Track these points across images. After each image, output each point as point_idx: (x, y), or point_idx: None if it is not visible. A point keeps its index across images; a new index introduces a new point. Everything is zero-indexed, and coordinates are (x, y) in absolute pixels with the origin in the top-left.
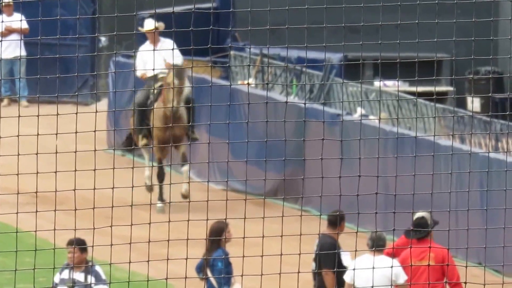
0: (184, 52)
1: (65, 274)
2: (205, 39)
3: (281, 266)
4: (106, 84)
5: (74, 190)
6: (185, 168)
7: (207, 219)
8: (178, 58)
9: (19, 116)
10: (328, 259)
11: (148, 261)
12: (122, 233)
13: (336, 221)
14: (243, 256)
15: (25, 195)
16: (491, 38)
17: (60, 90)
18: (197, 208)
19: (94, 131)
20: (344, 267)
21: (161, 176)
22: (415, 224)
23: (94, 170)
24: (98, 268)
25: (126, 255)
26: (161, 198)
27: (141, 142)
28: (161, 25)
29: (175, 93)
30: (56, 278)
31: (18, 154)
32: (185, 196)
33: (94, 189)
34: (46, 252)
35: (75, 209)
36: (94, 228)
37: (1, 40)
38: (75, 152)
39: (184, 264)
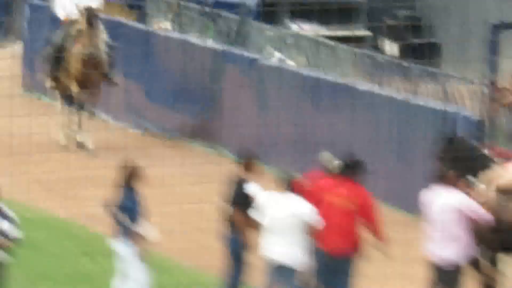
0: None
1: None
2: None
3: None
4: (21, 26)
5: None
6: (89, 122)
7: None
8: (95, 1)
9: None
10: (238, 199)
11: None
12: (38, 176)
13: (248, 164)
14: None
15: None
16: None
17: None
18: (113, 150)
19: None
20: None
21: (80, 105)
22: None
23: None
24: (1, 204)
25: (40, 196)
26: (79, 126)
27: (50, 83)
28: None
29: (88, 39)
30: None
31: None
32: (91, 153)
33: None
34: None
35: None
36: None
37: None
38: None
39: (96, 205)
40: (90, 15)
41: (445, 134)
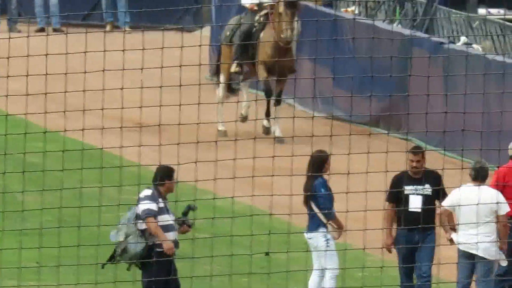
0: None
1: (161, 203)
2: None
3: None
4: (209, 11)
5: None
6: (277, 108)
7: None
8: None
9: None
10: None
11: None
12: (225, 162)
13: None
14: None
15: (128, 122)
16: None
17: (162, 17)
18: (300, 138)
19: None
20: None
21: (268, 91)
22: None
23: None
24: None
25: (228, 184)
26: (267, 114)
27: (234, 69)
28: None
29: (287, 23)
30: (154, 206)
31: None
32: (280, 141)
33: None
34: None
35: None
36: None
37: None
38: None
39: (286, 195)
40: (291, 3)
41: None
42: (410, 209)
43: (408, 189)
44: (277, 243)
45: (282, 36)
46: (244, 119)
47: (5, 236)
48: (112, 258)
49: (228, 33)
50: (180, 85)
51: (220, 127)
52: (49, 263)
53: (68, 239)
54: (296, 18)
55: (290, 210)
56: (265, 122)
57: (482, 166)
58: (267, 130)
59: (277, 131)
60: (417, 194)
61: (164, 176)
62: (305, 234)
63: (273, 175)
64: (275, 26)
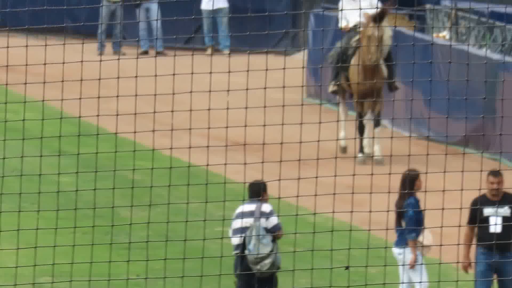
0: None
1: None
2: None
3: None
4: (306, 35)
5: (282, 141)
6: (377, 130)
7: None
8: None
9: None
10: None
11: (351, 211)
12: (322, 180)
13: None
14: (442, 208)
15: (220, 141)
16: None
17: (261, 41)
18: (395, 158)
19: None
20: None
21: (361, 128)
22: None
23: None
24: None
25: (326, 202)
26: (361, 150)
27: (332, 87)
28: None
29: (374, 45)
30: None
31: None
32: (379, 162)
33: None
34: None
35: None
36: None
37: None
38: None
39: (380, 211)
40: (378, 14)
41: None
42: (490, 231)
43: (487, 211)
44: (372, 258)
45: (367, 59)
46: (344, 150)
47: (112, 250)
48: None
49: (332, 53)
50: (283, 105)
51: (343, 143)
52: (151, 275)
53: (169, 253)
54: (386, 26)
55: (386, 226)
56: (359, 155)
57: None
58: (362, 161)
59: (376, 151)
60: (497, 216)
61: (264, 190)
62: (393, 249)
63: (371, 192)
64: (363, 49)
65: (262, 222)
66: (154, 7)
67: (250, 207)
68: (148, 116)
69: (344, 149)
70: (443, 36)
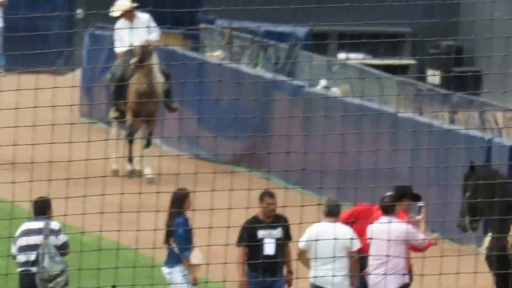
0: (158, 25)
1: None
2: (176, 13)
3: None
4: (80, 54)
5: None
6: (147, 150)
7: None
8: (154, 33)
9: None
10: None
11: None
12: (92, 199)
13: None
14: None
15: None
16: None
17: (36, 60)
18: (165, 177)
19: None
20: None
21: (131, 144)
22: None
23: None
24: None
25: (94, 221)
26: (130, 159)
27: (112, 114)
28: (132, 4)
29: (144, 73)
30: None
31: None
32: (150, 181)
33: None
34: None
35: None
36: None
37: None
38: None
39: (148, 230)
40: (144, 51)
41: (470, 162)
42: (265, 253)
43: (262, 233)
44: (141, 277)
45: (140, 82)
46: (116, 172)
47: None
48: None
49: (109, 76)
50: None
51: (114, 166)
52: None
53: None
54: (155, 63)
55: (153, 246)
56: (128, 167)
57: (335, 203)
58: (131, 173)
59: (147, 171)
60: (271, 237)
61: (49, 207)
62: (163, 268)
63: (139, 211)
64: (138, 72)
65: (52, 240)
66: None
67: (37, 224)
68: None
69: (115, 172)
70: (217, 55)
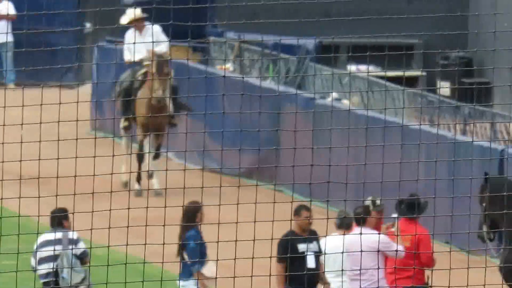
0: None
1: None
2: (185, 26)
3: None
4: (90, 68)
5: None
6: (156, 162)
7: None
8: (163, 45)
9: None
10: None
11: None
12: (102, 212)
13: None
14: (219, 241)
15: (9, 175)
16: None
17: (46, 74)
18: (175, 190)
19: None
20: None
21: (140, 156)
22: (407, 203)
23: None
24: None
25: (106, 234)
26: (138, 181)
27: (123, 123)
28: (142, 14)
29: (159, 84)
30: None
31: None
32: (158, 193)
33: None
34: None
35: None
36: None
37: None
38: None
39: (161, 243)
40: (161, 61)
41: (485, 173)
42: (306, 267)
43: (302, 247)
44: None
45: (154, 95)
46: (126, 185)
47: None
48: None
49: (118, 88)
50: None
51: (124, 178)
52: None
53: None
54: (169, 76)
55: (167, 259)
56: (136, 186)
57: (346, 216)
58: (138, 193)
59: (155, 184)
60: (310, 251)
61: (66, 218)
62: (177, 282)
63: (147, 225)
64: (150, 85)
65: (72, 250)
66: None
67: (55, 235)
68: None
69: (125, 184)
70: (227, 68)
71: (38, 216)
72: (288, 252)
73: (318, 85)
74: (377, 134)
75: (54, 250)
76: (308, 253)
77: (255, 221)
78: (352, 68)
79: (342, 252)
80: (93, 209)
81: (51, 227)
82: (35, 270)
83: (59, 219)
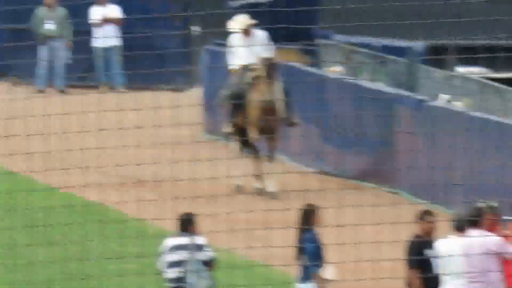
0: (274, 40)
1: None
2: (293, 28)
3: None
4: (199, 71)
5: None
6: (270, 166)
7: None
8: (270, 50)
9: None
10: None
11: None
12: (222, 218)
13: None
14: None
15: (123, 179)
16: None
17: (155, 77)
18: (292, 192)
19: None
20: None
21: (255, 157)
22: None
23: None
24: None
25: (224, 237)
26: (257, 178)
27: (227, 129)
28: (251, 21)
29: (266, 87)
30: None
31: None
32: (273, 196)
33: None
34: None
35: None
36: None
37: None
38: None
39: (281, 246)
40: (270, 66)
41: None
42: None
43: (429, 252)
44: None
45: (261, 98)
46: (239, 188)
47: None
48: None
49: (225, 92)
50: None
51: (237, 182)
52: None
53: None
54: (275, 81)
55: (286, 262)
56: (256, 184)
57: (463, 218)
58: (260, 191)
59: (271, 186)
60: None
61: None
62: (298, 284)
63: (269, 228)
64: (259, 88)
65: (199, 255)
66: (59, 46)
67: (183, 240)
68: (50, 154)
69: (239, 188)
70: (338, 70)
71: (153, 219)
72: (418, 258)
73: (428, 87)
74: (492, 136)
75: (182, 255)
76: (435, 258)
77: (376, 224)
78: (462, 70)
79: (458, 255)
80: (212, 212)
81: (179, 231)
82: (162, 273)
83: (187, 223)
